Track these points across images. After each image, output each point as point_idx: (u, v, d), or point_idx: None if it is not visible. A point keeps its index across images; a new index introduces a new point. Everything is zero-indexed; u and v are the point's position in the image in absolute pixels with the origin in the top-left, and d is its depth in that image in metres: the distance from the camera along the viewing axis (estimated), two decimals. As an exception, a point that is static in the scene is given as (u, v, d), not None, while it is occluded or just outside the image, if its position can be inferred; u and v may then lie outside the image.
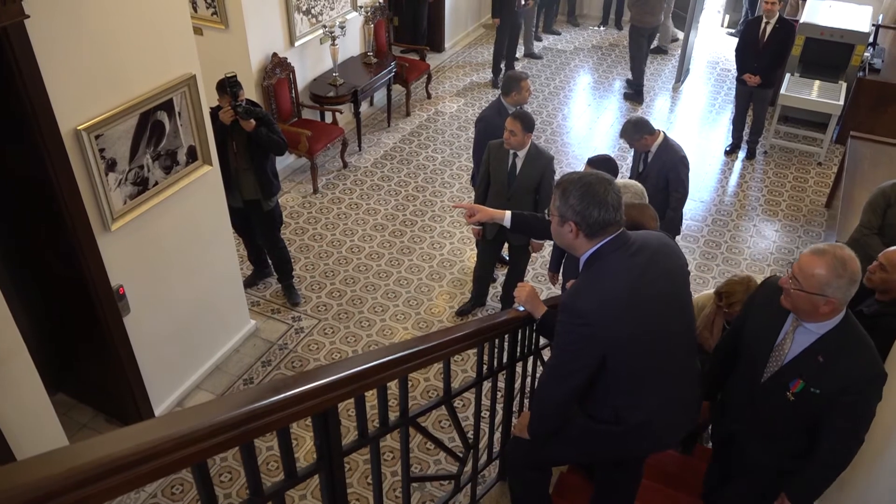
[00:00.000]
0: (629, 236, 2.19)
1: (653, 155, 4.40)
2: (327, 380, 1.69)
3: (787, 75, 7.04)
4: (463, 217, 2.92)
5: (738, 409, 2.61)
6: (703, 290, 5.41)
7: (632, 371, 2.22)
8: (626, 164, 5.06)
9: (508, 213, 2.92)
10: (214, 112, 4.17)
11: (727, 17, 10.18)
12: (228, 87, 4.14)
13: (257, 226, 4.88)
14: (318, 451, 1.81)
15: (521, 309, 2.64)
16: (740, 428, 2.64)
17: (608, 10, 10.00)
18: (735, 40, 9.34)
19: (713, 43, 9.77)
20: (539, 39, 9.48)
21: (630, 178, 4.51)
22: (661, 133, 4.42)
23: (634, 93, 8.21)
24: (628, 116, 4.50)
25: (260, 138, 4.35)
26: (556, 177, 4.46)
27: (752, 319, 2.53)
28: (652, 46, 9.33)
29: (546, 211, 4.46)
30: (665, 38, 9.34)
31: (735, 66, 6.89)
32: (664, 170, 4.33)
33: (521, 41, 8.69)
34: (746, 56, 6.59)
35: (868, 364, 2.25)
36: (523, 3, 8.04)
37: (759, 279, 3.08)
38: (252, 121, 4.25)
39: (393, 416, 2.18)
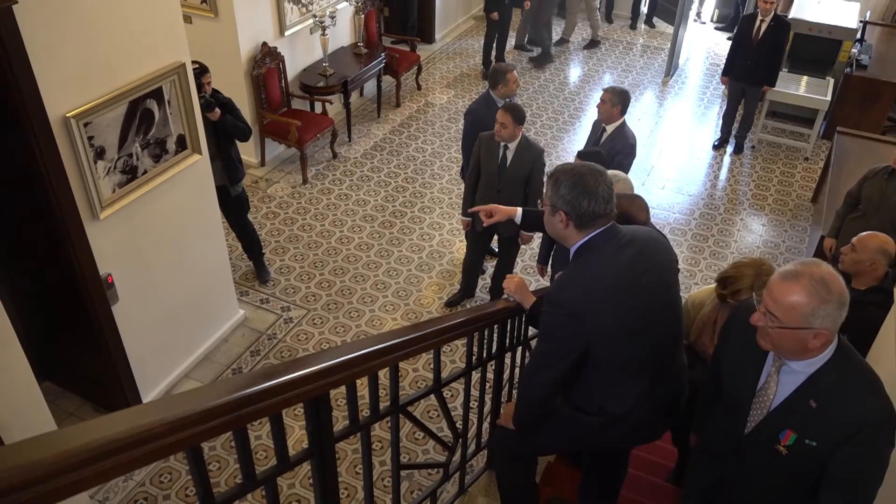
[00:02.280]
0: (619, 229, 2.21)
1: (607, 135, 4.55)
2: (319, 366, 1.70)
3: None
4: (481, 217, 2.88)
5: (722, 459, 2.17)
6: (691, 282, 5.46)
7: (615, 362, 2.24)
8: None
9: (520, 211, 2.87)
10: None
11: (717, 11, 10.21)
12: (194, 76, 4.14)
13: (224, 211, 4.87)
14: (309, 438, 1.82)
15: (511, 299, 2.66)
16: (727, 479, 2.19)
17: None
18: (723, 35, 9.45)
19: (702, 37, 9.80)
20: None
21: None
22: (623, 119, 4.56)
23: (543, 55, 8.68)
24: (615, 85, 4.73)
25: (226, 126, 4.38)
26: (547, 169, 4.50)
27: (728, 355, 2.15)
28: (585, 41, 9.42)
29: (539, 201, 4.48)
30: (595, 26, 9.26)
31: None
32: (612, 152, 4.45)
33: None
34: (738, 53, 6.53)
35: (873, 406, 1.80)
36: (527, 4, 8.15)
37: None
38: (217, 111, 4.26)
39: (383, 405, 2.19)
